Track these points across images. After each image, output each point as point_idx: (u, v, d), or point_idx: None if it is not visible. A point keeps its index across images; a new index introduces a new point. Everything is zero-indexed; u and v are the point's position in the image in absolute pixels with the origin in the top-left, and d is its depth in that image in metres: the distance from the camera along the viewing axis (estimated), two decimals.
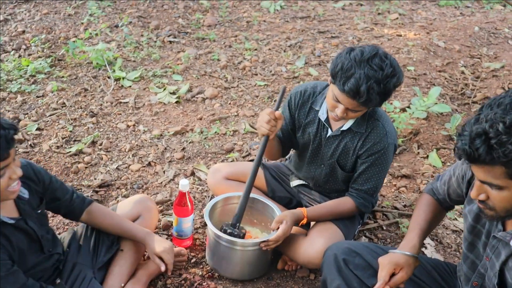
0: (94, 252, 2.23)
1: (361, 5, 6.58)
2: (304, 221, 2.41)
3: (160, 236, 2.59)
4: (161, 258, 2.24)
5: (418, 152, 3.55)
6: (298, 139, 2.58)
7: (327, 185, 2.61)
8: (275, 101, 4.10)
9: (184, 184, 2.50)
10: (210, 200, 2.89)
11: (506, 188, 1.49)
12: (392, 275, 1.90)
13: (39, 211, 2.02)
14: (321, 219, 2.46)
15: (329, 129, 2.44)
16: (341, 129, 2.40)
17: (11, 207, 1.92)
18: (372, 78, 2.05)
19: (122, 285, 2.22)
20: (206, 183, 3.11)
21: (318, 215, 2.45)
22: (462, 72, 4.77)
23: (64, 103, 3.95)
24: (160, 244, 2.24)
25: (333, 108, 2.24)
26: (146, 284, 2.35)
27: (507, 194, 1.50)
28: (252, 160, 2.76)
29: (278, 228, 2.35)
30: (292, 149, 2.70)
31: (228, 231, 2.39)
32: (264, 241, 2.34)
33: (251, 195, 2.53)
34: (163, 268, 2.23)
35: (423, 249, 2.72)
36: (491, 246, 1.74)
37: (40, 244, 2.00)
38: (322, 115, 2.43)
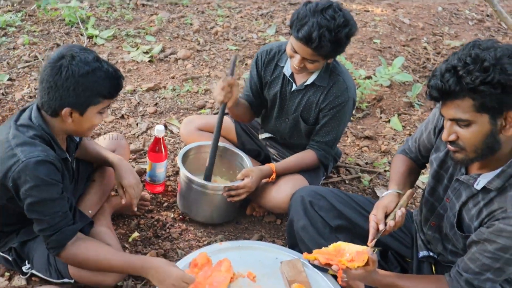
0: (75, 185, 2.32)
1: None
2: (274, 176, 2.54)
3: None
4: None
5: (381, 117, 3.74)
6: (266, 96, 2.70)
7: (292, 139, 2.75)
8: (246, 64, 4.21)
9: (159, 129, 2.59)
10: None
11: (474, 122, 1.57)
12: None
13: (73, 154, 2.12)
14: (288, 172, 2.59)
15: (294, 84, 2.58)
16: (305, 84, 2.53)
17: (63, 145, 2.01)
18: (324, 26, 2.19)
19: (90, 212, 2.32)
20: (179, 136, 3.21)
21: (286, 169, 2.58)
22: (425, 48, 4.98)
23: (36, 56, 3.94)
24: (128, 176, 2.26)
25: (292, 59, 2.38)
26: (109, 215, 2.45)
27: (475, 129, 1.58)
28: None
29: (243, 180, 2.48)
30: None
31: None
32: (227, 190, 2.47)
33: (223, 144, 2.66)
34: (123, 201, 2.28)
35: None
36: (453, 189, 1.89)
37: (73, 185, 2.13)
38: (287, 71, 2.56)
